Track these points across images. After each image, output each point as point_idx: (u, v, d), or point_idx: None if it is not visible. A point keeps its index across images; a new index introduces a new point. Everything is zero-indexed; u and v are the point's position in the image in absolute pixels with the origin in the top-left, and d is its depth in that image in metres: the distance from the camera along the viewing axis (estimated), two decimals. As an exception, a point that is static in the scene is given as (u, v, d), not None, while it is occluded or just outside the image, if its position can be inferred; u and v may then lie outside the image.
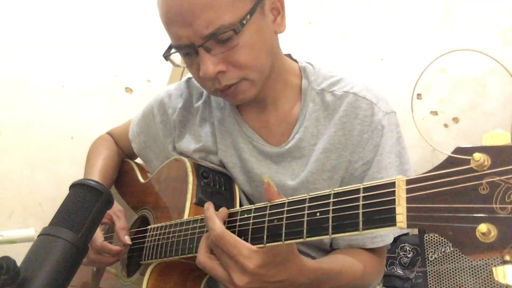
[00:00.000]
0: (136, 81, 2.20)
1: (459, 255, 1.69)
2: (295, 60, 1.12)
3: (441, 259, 1.73)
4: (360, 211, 0.61)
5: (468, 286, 1.64)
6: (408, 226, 0.55)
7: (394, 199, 0.57)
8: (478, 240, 0.49)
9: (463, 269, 1.66)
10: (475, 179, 0.50)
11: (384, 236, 1.02)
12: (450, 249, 1.72)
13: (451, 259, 1.70)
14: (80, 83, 2.13)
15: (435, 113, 2.39)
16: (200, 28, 0.88)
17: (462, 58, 2.28)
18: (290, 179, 1.03)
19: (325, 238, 0.82)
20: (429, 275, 1.75)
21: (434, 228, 0.52)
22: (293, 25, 1.22)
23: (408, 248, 1.98)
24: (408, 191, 0.56)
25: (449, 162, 0.52)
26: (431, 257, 1.75)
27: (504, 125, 2.26)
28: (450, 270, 1.70)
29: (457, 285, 1.67)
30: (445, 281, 1.70)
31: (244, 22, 0.90)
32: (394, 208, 0.57)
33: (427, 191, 0.54)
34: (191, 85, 1.19)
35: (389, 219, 0.57)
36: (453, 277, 1.69)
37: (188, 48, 0.92)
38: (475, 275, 1.63)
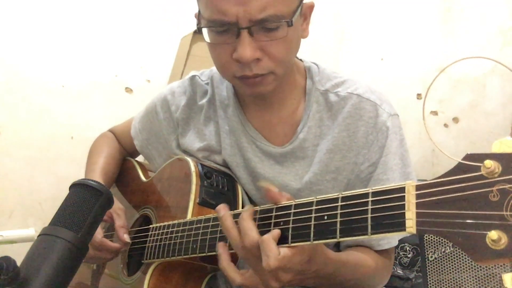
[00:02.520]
0: (136, 81, 2.20)
1: (459, 255, 1.69)
2: (300, 60, 1.12)
3: (441, 259, 1.73)
4: (369, 215, 0.62)
5: (467, 286, 1.65)
6: (418, 231, 0.56)
7: (404, 204, 0.57)
8: (488, 247, 0.49)
9: (463, 269, 1.67)
10: (485, 186, 0.50)
11: (390, 238, 1.02)
12: (450, 249, 1.72)
13: (451, 259, 1.71)
14: (80, 83, 2.13)
15: (435, 113, 2.39)
16: (253, 11, 0.86)
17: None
18: (294, 180, 1.04)
19: (333, 242, 0.83)
20: (429, 275, 1.75)
21: (443, 234, 0.53)
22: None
23: (408, 248, 1.98)
24: (418, 196, 0.56)
25: (459, 168, 0.53)
26: (431, 257, 1.76)
27: (504, 125, 2.26)
28: (450, 270, 1.70)
29: (457, 285, 1.67)
30: (445, 281, 1.70)
31: (294, 16, 0.90)
32: (404, 213, 0.57)
33: (437, 197, 0.54)
34: (195, 83, 1.18)
35: (398, 224, 0.58)
36: (453, 277, 1.69)
37: (230, 26, 0.89)
38: (475, 275, 1.64)
